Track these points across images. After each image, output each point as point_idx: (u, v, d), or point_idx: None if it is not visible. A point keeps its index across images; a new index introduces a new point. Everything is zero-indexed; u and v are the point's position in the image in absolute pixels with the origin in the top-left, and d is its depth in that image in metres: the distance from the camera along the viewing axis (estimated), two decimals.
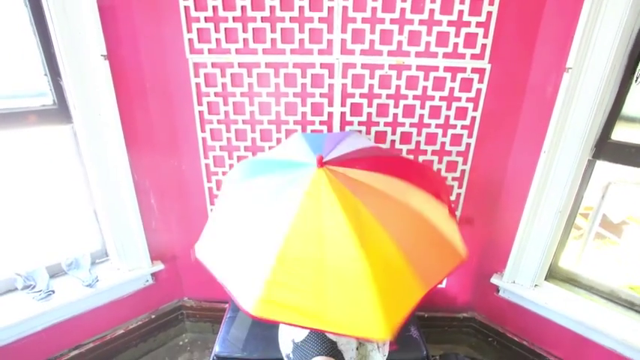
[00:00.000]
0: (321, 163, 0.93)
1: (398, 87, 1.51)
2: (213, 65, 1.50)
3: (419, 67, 1.48)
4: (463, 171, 1.65)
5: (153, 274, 1.83)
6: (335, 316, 0.80)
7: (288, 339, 1.29)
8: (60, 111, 1.47)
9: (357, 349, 1.32)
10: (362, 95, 1.53)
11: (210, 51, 1.48)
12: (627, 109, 1.40)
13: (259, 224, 0.92)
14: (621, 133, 1.42)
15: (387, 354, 1.36)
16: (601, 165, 1.50)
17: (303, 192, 0.88)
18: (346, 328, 0.80)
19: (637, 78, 1.35)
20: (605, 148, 1.45)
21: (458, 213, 1.73)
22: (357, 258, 0.80)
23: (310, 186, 0.89)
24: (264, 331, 1.53)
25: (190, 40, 1.46)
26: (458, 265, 0.93)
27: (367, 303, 0.78)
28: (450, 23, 1.40)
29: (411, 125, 1.57)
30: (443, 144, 1.60)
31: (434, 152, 1.62)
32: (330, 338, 1.22)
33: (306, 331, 1.24)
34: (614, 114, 1.41)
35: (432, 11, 1.39)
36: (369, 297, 0.78)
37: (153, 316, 1.90)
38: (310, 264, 0.82)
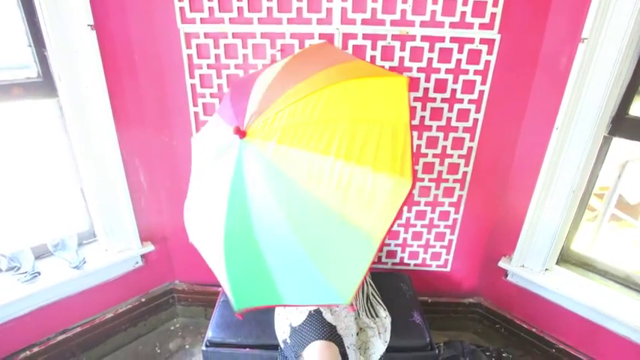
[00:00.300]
0: (242, 133, 0.90)
1: (401, 59, 1.47)
2: (206, 35, 1.47)
3: (424, 38, 1.43)
4: (470, 148, 1.61)
5: (142, 256, 1.83)
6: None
7: (285, 323, 1.29)
8: (45, 84, 1.45)
9: (357, 334, 1.32)
10: None
11: (202, 20, 1.44)
12: None
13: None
14: None
15: (388, 340, 1.35)
16: (618, 142, 1.47)
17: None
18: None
19: None
20: (623, 124, 1.41)
21: (464, 192, 1.71)
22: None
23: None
24: (260, 315, 1.50)
25: (182, 9, 1.42)
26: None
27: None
28: None
29: (415, 99, 1.53)
30: (449, 119, 1.57)
31: (439, 128, 1.58)
32: (330, 322, 1.23)
33: (305, 315, 1.24)
34: (633, 88, 1.36)
35: None
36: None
37: (143, 300, 1.89)
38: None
